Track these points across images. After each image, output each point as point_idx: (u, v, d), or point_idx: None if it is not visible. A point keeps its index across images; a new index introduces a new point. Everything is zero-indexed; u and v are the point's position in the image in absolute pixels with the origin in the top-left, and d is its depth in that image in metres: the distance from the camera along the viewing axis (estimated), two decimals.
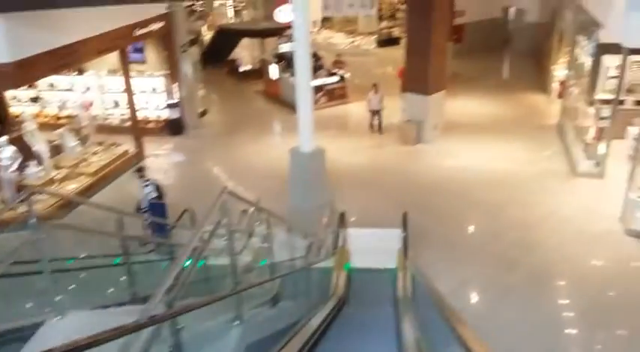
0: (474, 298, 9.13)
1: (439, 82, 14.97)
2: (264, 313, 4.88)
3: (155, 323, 2.28)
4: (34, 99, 16.58)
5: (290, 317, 5.28)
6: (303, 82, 11.09)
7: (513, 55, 24.43)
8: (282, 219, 5.95)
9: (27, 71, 10.00)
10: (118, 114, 16.17)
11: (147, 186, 10.50)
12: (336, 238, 9.76)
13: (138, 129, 14.83)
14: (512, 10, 25.53)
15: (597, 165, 12.36)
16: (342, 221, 10.34)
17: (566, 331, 8.12)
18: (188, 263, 3.02)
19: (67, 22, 10.79)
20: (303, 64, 10.92)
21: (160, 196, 10.58)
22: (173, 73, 16.10)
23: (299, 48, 10.86)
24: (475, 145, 14.90)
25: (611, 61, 12.95)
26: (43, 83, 16.06)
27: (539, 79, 20.07)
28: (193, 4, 19.90)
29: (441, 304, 3.57)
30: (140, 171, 11.17)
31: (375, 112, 15.92)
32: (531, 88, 19.49)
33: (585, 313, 8.40)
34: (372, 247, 9.69)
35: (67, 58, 11.27)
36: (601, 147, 12.19)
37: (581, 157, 12.71)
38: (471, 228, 11.23)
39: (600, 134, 12.21)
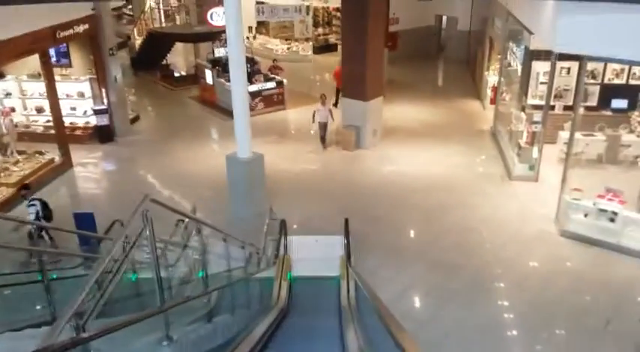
0: (417, 303, 9.05)
1: (376, 88, 14.99)
2: (197, 330, 4.51)
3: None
4: None
5: (227, 333, 4.95)
6: (239, 87, 10.78)
7: (447, 62, 25.03)
8: (217, 228, 5.59)
9: None
10: (43, 121, 15.20)
11: (31, 205, 9.58)
12: (277, 246, 9.47)
13: (64, 136, 14.00)
14: (445, 19, 26.19)
15: (531, 168, 12.66)
16: (283, 228, 10.06)
17: (508, 333, 8.17)
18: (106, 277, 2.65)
19: None
20: (238, 68, 10.61)
21: (47, 216, 9.67)
22: (101, 78, 15.33)
23: (234, 52, 10.55)
24: (413, 151, 14.99)
25: (540, 67, 13.39)
26: None
27: (472, 86, 20.57)
28: (122, 7, 19.06)
29: (383, 312, 3.36)
30: (24, 189, 10.40)
31: (323, 125, 15.07)
32: (465, 94, 19.93)
33: (525, 314, 8.50)
34: (314, 255, 9.49)
35: None
36: (534, 151, 12.50)
37: (516, 161, 13.00)
38: (412, 233, 11.20)
39: (533, 138, 12.52)
